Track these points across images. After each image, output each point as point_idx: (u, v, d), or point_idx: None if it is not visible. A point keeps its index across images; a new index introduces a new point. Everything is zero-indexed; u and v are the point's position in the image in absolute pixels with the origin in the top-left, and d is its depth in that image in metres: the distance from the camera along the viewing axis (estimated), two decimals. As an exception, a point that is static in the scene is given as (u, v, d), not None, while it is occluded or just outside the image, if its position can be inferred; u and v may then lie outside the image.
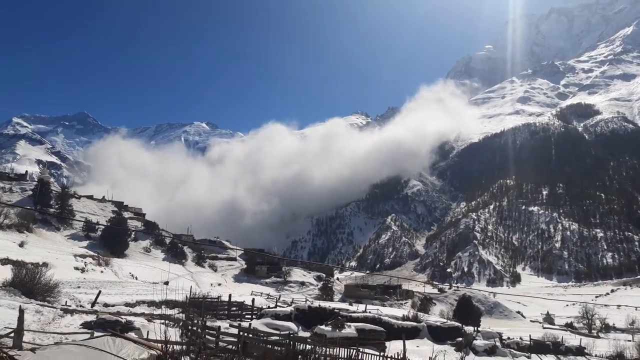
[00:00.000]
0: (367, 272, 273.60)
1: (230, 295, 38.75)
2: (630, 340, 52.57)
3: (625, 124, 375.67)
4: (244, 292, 61.86)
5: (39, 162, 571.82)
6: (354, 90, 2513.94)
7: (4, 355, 7.56)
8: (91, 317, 22.37)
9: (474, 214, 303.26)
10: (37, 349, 8.77)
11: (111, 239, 74.80)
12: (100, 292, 32.98)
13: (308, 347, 16.16)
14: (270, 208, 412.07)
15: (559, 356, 38.77)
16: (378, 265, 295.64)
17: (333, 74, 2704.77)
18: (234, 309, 35.89)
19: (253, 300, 39.80)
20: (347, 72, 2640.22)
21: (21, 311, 14.50)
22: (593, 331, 75.71)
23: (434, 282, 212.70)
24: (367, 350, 18.38)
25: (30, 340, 15.32)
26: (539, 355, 37.20)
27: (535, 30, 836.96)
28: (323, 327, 25.72)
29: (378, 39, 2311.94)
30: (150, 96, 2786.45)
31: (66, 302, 28.69)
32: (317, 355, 14.98)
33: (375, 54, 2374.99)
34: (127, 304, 33.35)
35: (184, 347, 14.94)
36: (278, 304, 45.22)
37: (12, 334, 14.43)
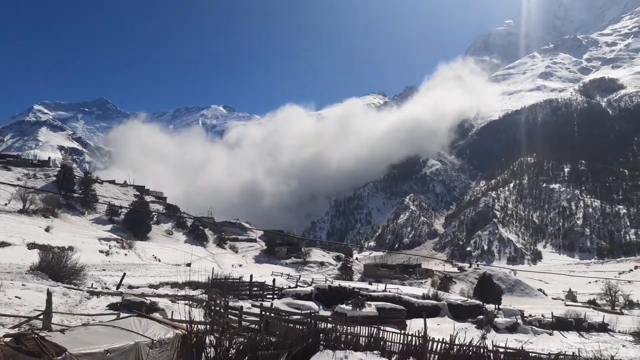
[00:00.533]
0: (386, 251, 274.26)
1: (251, 276, 39.27)
2: (654, 317, 51.88)
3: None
4: (264, 273, 62.60)
5: (60, 148, 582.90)
6: (370, 70, 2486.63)
7: (36, 336, 7.76)
8: (117, 299, 22.91)
9: (494, 192, 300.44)
10: (65, 330, 9.00)
11: (134, 223, 76.13)
12: (124, 274, 33.69)
13: (329, 325, 16.30)
14: (288, 190, 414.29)
15: (582, 332, 38.56)
16: (397, 245, 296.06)
17: (349, 54, 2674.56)
18: (256, 289, 36.39)
19: (274, 280, 40.28)
20: (363, 51, 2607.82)
21: (49, 294, 14.89)
22: (616, 308, 74.96)
23: (454, 261, 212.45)
24: (388, 329, 18.49)
25: (58, 322, 15.77)
26: (562, 332, 37.03)
27: (557, 3, 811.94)
28: (344, 306, 25.94)
29: (394, 16, 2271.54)
30: (168, 81, 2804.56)
31: (92, 284, 29.39)
32: (338, 334, 15.09)
33: (392, 32, 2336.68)
34: (151, 286, 34.05)
35: (208, 326, 15.21)
36: (298, 284, 45.70)
37: (41, 316, 14.87)
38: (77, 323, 16.25)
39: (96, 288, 27.93)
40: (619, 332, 41.59)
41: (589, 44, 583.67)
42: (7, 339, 7.44)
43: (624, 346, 31.46)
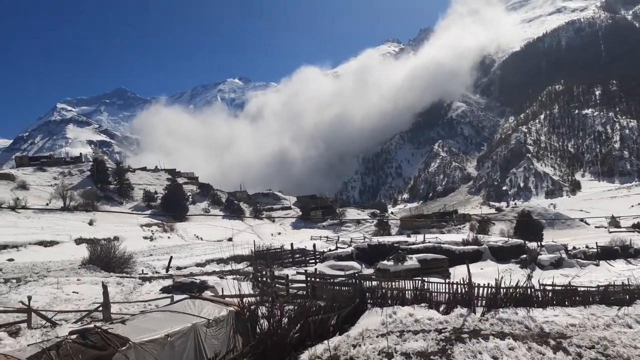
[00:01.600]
0: (420, 202, 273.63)
1: (292, 244, 40.01)
2: None
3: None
4: (303, 238, 63.64)
5: (89, 142, 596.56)
6: (381, 18, 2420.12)
7: (99, 329, 8.12)
8: (168, 282, 23.79)
9: (524, 126, 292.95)
10: (126, 320, 9.41)
11: (171, 205, 77.99)
12: (171, 257, 34.86)
13: (374, 283, 16.55)
14: (316, 153, 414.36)
15: (629, 259, 37.99)
16: (430, 194, 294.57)
17: (358, 4, 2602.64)
18: (298, 255, 37.13)
19: (314, 245, 40.95)
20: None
21: (104, 286, 15.58)
22: (663, 228, 73.38)
23: (490, 203, 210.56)
24: (432, 280, 18.67)
25: (117, 311, 16.56)
26: (608, 261, 36.59)
27: None
28: (385, 262, 26.22)
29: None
30: (181, 61, 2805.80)
31: (142, 270, 30.57)
32: (384, 291, 15.35)
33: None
34: (197, 265, 35.15)
35: (258, 298, 15.69)
36: (338, 245, 46.31)
37: (100, 308, 15.63)
38: (135, 310, 17.04)
39: (147, 273, 29.06)
40: (668, 253, 40.83)
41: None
42: (73, 336, 7.85)
43: (674, 267, 30.95)
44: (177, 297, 15.32)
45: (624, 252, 40.34)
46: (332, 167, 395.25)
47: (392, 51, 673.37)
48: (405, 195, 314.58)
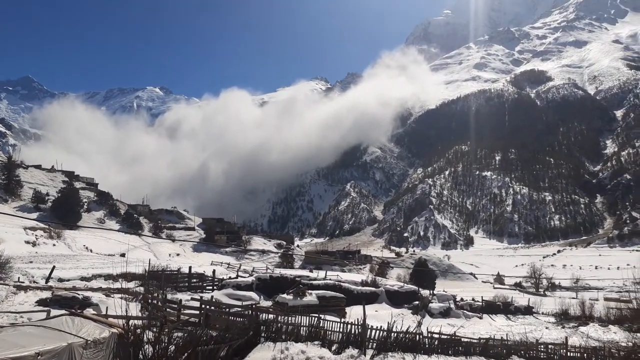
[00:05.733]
0: (327, 238, 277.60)
1: (190, 267, 38.41)
2: (574, 298, 55.95)
3: (576, 90, 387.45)
4: (203, 262, 61.63)
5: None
6: (312, 56, 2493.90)
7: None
8: (46, 294, 21.79)
9: (430, 179, 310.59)
10: (-9, 332, 8.48)
11: (63, 211, 72.43)
12: (54, 267, 32.07)
13: (270, 316, 16.32)
14: (233, 176, 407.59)
15: (509, 315, 40.91)
16: (337, 232, 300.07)
17: (291, 39, 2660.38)
18: (195, 280, 35.59)
19: (214, 271, 39.63)
20: (306, 36, 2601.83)
21: (-29, 292, 13.95)
22: (540, 290, 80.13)
23: (392, 247, 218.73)
24: (328, 317, 18.76)
25: (-18, 321, 14.83)
26: (491, 315, 39.12)
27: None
28: (285, 295, 26.09)
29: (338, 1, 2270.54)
30: (99, 60, 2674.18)
31: (19, 278, 27.79)
32: (279, 325, 15.15)
33: (333, 17, 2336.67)
34: (82, 278, 32.61)
35: (145, 322, 14.80)
36: (239, 273, 45.28)
37: (-38, 316, 13.90)
38: (4, 321, 15.41)
39: (23, 282, 26.47)
40: (543, 313, 44.50)
41: (521, 36, 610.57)
42: None
43: (547, 328, 33.79)
44: (54, 312, 14.08)
45: (506, 308, 43.42)
46: (247, 192, 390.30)
47: (319, 89, 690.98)
48: (314, 230, 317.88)
